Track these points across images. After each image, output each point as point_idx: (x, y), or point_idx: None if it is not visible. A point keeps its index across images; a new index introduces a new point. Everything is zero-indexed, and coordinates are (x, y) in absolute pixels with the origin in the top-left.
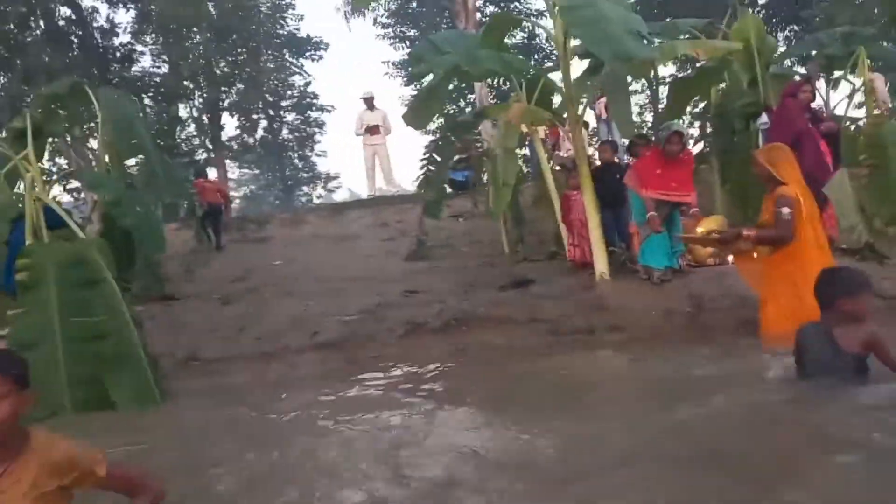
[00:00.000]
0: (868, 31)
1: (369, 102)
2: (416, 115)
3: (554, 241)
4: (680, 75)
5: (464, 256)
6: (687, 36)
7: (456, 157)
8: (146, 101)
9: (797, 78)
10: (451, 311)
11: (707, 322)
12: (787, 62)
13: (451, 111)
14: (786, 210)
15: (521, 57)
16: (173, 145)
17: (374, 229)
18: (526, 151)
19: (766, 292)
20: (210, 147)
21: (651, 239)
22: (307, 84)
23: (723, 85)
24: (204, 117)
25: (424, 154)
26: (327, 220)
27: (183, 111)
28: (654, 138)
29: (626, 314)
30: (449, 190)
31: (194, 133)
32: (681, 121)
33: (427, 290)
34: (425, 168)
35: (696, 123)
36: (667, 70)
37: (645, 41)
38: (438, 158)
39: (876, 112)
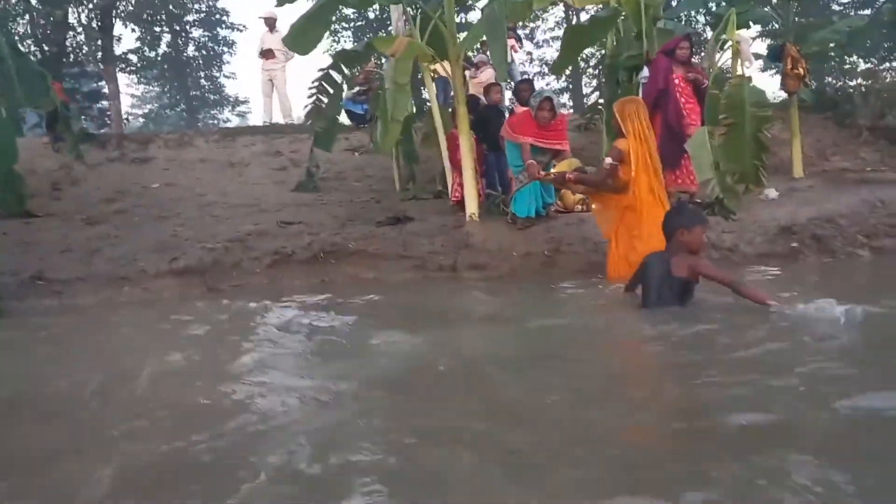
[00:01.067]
0: None
1: (270, 23)
2: (297, 39)
3: (441, 181)
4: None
5: (354, 191)
6: None
7: (356, 89)
8: (32, 2)
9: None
10: (321, 244)
11: (561, 263)
12: (702, 19)
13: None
14: (608, 160)
15: None
16: (60, 53)
17: (265, 157)
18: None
19: (611, 238)
20: (100, 58)
21: (524, 189)
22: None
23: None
24: (95, 24)
25: (314, 84)
26: (216, 145)
27: (72, 16)
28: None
29: (489, 254)
30: (348, 122)
31: (84, 42)
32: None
33: (306, 222)
34: (315, 98)
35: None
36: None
37: None
38: (330, 89)
39: (739, 73)
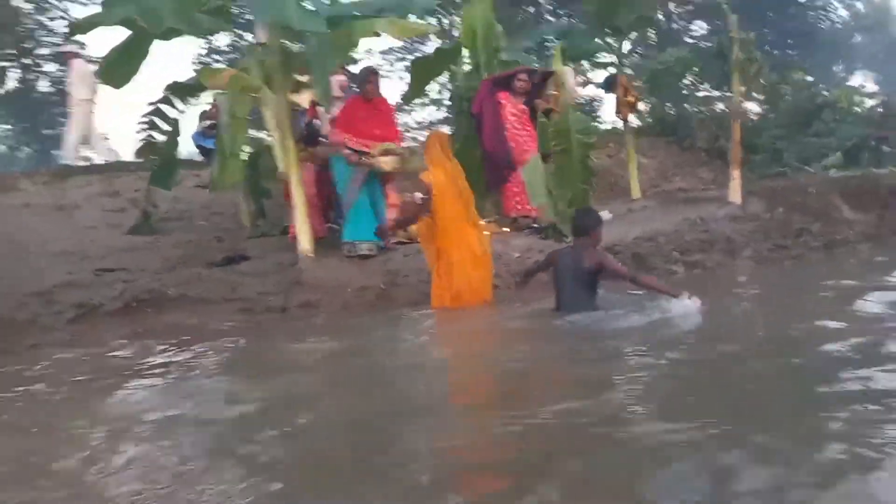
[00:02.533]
0: (583, 28)
1: (68, 58)
2: (111, 72)
3: (288, 217)
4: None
5: (197, 230)
6: (414, 16)
7: (207, 123)
8: None
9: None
10: (136, 291)
11: (395, 296)
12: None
13: None
14: (418, 195)
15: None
16: None
17: (101, 199)
18: None
19: (434, 268)
20: None
21: (357, 211)
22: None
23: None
24: None
25: (144, 118)
26: (45, 187)
27: None
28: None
29: (322, 291)
30: (200, 158)
31: None
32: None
33: (128, 268)
34: (147, 134)
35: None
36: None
37: (315, 13)
38: (165, 124)
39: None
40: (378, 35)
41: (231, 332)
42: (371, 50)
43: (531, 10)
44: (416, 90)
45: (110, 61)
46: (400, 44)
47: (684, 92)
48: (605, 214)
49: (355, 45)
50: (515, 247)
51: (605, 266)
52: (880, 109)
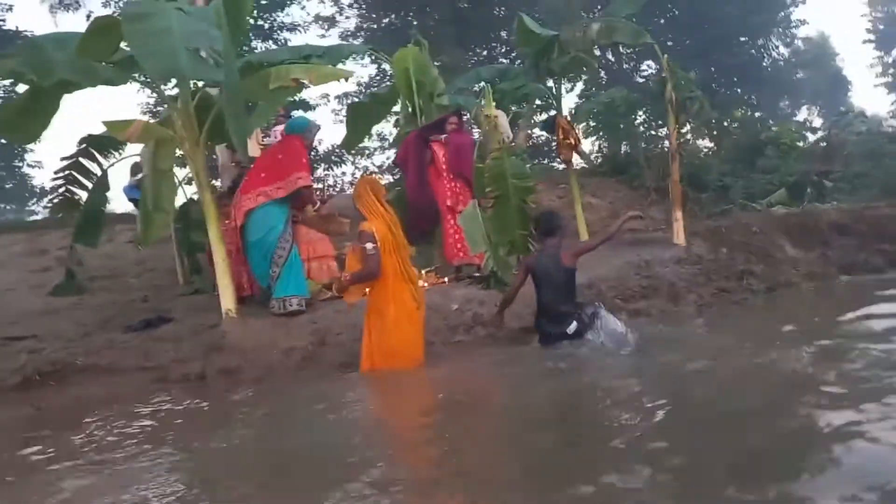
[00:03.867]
0: (519, 69)
1: None
2: (14, 127)
3: None
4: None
5: (127, 290)
6: (344, 62)
7: (140, 176)
8: None
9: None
10: (39, 363)
11: (323, 357)
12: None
13: None
14: (370, 246)
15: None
16: None
17: (26, 258)
18: None
19: (365, 325)
20: None
21: (291, 266)
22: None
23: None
24: None
25: (60, 173)
26: None
27: None
28: None
29: (245, 355)
30: (135, 211)
31: None
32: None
33: (40, 335)
34: (64, 188)
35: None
36: None
37: (211, 61)
38: (84, 180)
39: (498, 146)
40: (298, 82)
41: (137, 404)
42: (328, 96)
43: (483, 53)
44: (354, 136)
45: (10, 114)
46: (355, 88)
47: (636, 131)
48: None
49: (290, 95)
50: (455, 297)
51: (581, 252)
52: (823, 143)
